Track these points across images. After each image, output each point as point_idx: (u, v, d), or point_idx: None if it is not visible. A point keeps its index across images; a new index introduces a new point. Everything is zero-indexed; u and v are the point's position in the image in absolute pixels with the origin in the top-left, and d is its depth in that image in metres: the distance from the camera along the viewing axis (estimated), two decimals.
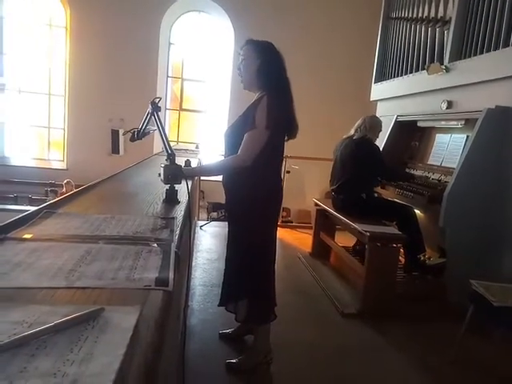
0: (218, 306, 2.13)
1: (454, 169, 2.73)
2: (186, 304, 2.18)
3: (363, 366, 2.10)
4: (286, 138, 1.86)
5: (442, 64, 3.19)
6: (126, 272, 0.72)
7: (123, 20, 6.65)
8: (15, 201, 5.95)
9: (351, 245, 3.59)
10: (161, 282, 0.69)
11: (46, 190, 6.31)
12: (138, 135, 1.72)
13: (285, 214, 5.95)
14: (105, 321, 0.54)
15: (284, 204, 1.97)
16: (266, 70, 1.77)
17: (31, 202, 5.69)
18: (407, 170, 3.51)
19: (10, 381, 0.41)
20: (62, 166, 7.15)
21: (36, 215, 1.05)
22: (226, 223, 2.03)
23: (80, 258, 0.78)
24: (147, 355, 0.47)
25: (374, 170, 3.11)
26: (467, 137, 2.81)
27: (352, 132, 3.21)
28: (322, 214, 3.75)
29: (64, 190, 5.73)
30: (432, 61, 3.40)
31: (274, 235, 1.93)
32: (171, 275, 0.72)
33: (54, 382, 0.41)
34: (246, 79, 1.84)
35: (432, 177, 3.15)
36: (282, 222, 4.82)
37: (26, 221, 0.99)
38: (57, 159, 7.29)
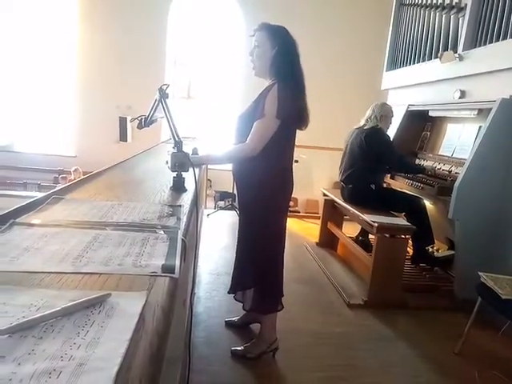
0: (228, 293, 2.14)
1: (465, 160, 2.69)
2: (192, 291, 2.20)
3: (368, 356, 2.10)
4: (296, 127, 1.83)
5: (456, 52, 3.11)
6: (133, 258, 0.73)
7: (131, 5, 6.60)
8: (25, 187, 6.03)
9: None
10: (167, 269, 0.69)
11: (56, 177, 6.38)
12: (146, 122, 1.71)
13: (292, 203, 5.94)
14: (111, 306, 0.54)
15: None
16: (281, 59, 1.73)
17: (40, 189, 5.75)
18: (417, 161, 3.46)
19: (18, 362, 0.41)
20: (70, 152, 7.19)
21: (44, 201, 1.06)
22: (233, 212, 2.03)
23: (87, 244, 0.78)
24: (153, 341, 0.47)
25: (383, 160, 3.07)
26: (480, 127, 2.76)
27: (362, 122, 3.16)
28: (329, 204, 3.74)
29: (72, 177, 5.78)
30: (445, 49, 3.32)
31: (283, 225, 1.92)
32: (178, 262, 0.72)
33: (61, 365, 0.41)
34: (259, 67, 1.80)
35: (442, 168, 3.11)
36: (290, 211, 4.82)
37: (34, 206, 1.00)
38: (65, 146, 7.33)
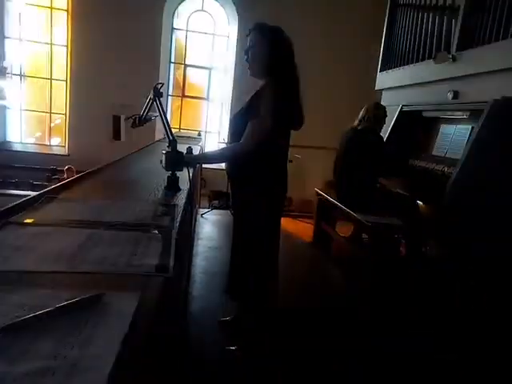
0: (224, 292, 2.14)
1: (458, 160, 2.71)
2: (186, 291, 2.20)
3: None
4: (291, 127, 1.84)
5: (450, 53, 3.14)
6: (127, 258, 0.73)
7: (126, 4, 6.56)
8: (16, 186, 5.95)
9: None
10: (161, 268, 0.69)
11: (49, 176, 6.31)
12: (140, 121, 1.71)
13: (286, 203, 5.94)
14: (105, 306, 0.54)
15: None
16: (275, 59, 1.73)
17: (32, 188, 5.69)
18: (411, 161, 3.48)
19: (12, 362, 0.41)
20: (63, 151, 7.13)
21: (37, 200, 1.05)
22: (228, 211, 2.03)
23: (81, 244, 0.78)
24: (146, 340, 0.47)
25: (377, 160, 3.08)
26: (472, 128, 2.79)
27: (356, 123, 3.17)
28: (323, 203, 3.75)
29: (65, 176, 5.72)
30: (439, 49, 3.34)
31: (278, 224, 1.92)
32: (171, 262, 0.72)
33: (55, 365, 0.41)
34: (254, 66, 1.80)
35: (436, 168, 3.13)
36: (284, 211, 4.83)
37: (27, 206, 0.99)
38: (58, 145, 7.28)
